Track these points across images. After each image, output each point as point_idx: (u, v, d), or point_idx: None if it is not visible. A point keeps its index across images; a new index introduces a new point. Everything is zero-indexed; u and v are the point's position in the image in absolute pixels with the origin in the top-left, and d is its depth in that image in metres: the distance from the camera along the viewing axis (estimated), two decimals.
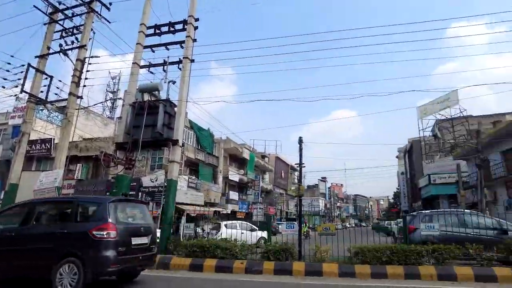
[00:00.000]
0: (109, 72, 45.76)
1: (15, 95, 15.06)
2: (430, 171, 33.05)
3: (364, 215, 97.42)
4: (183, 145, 15.37)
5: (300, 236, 9.57)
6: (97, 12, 15.00)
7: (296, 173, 56.86)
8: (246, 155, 38.24)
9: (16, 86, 14.65)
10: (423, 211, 11.66)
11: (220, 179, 32.20)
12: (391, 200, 72.80)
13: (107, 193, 22.60)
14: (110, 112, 42.18)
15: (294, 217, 47.51)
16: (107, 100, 38.98)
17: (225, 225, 15.79)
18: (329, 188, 75.46)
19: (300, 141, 10.49)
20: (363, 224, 73.99)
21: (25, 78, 14.39)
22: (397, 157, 58.41)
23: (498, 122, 28.79)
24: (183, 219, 11.62)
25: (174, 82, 13.30)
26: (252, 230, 13.47)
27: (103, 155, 10.99)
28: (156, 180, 22.90)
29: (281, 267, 8.69)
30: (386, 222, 38.99)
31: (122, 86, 47.43)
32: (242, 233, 12.63)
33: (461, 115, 35.45)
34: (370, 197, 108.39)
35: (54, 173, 11.58)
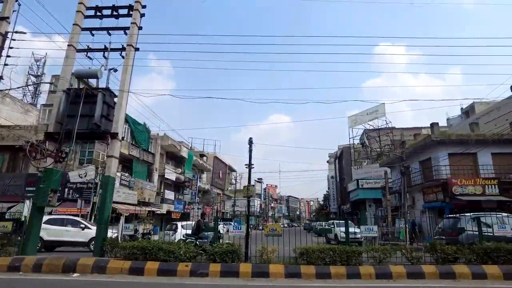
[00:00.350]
0: (33, 54, 41.01)
1: None
2: (358, 176, 35.59)
3: (296, 216, 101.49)
4: (123, 138, 14.29)
5: (247, 237, 9.45)
6: None
7: (234, 173, 57.04)
8: (184, 153, 37.13)
9: None
10: (466, 214, 12.25)
11: (155, 177, 30.75)
12: (321, 202, 76.91)
13: (27, 188, 20.14)
14: (33, 98, 37.79)
15: (230, 217, 47.48)
16: (30, 85, 34.75)
17: (182, 226, 15.35)
18: (264, 189, 77.08)
19: (250, 142, 10.40)
20: (295, 224, 76.96)
21: None
22: (328, 161, 61.94)
23: (418, 134, 32.23)
24: (122, 219, 10.70)
25: (115, 70, 12.29)
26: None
27: (29, 145, 9.62)
28: (85, 176, 21.04)
29: (228, 269, 8.49)
30: (315, 223, 40.89)
31: (48, 70, 42.87)
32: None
33: (387, 126, 38.89)
34: (302, 199, 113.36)
35: None
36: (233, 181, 56.42)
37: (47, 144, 10.61)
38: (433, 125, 26.26)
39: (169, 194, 32.32)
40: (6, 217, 18.59)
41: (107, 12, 13.45)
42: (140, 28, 13.17)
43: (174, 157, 36.79)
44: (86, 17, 13.43)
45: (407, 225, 18.56)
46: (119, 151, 11.00)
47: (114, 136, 10.69)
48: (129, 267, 8.51)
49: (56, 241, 14.28)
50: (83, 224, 14.86)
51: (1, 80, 12.43)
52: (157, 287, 7.43)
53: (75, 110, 10.62)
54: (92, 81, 13.65)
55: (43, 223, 14.23)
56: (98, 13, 13.50)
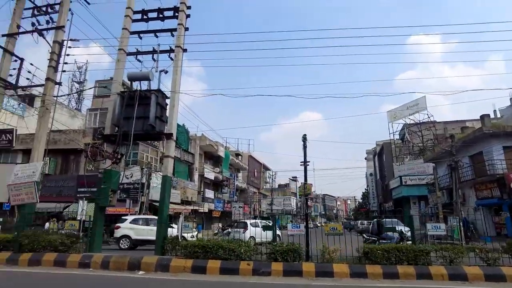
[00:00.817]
0: (75, 61, 43.19)
1: None
2: (401, 173, 34.24)
3: (333, 215, 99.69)
4: (177, 139, 14.56)
5: (307, 236, 9.25)
6: None
7: (268, 172, 56.94)
8: (221, 153, 37.57)
9: None
10: None
11: (196, 176, 31.29)
12: (360, 200, 75.04)
13: (79, 189, 21.12)
14: (77, 103, 39.75)
15: (267, 216, 47.43)
16: (81, 90, 36.66)
17: (251, 224, 15.80)
18: (299, 187, 76.14)
19: (304, 138, 10.17)
20: (332, 223, 75.39)
21: None
22: (366, 158, 60.24)
23: (465, 128, 30.44)
24: (181, 217, 10.87)
25: (166, 72, 12.50)
26: (267, 228, 13.26)
27: (90, 147, 9.99)
28: (131, 177, 21.70)
29: (290, 268, 8.34)
30: (357, 222, 39.82)
31: (89, 76, 44.95)
32: (263, 231, 12.26)
33: (429, 120, 37.15)
34: (338, 197, 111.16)
35: (31, 166, 10.37)
36: (268, 179, 56.34)
37: (104, 146, 10.97)
38: (484, 117, 24.64)
39: (209, 193, 32.79)
40: (63, 216, 19.60)
41: (152, 15, 13.71)
42: (186, 29, 13.30)
43: (211, 157, 37.32)
44: (134, 21, 13.78)
45: (461, 223, 17.55)
46: (174, 151, 11.16)
47: (169, 136, 10.86)
48: (191, 266, 8.58)
49: (141, 240, 14.99)
50: None
51: (60, 85, 13.08)
52: (225, 286, 7.39)
53: (130, 112, 10.86)
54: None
55: (129, 222, 15.02)
56: (145, 17, 13.80)
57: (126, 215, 19.52)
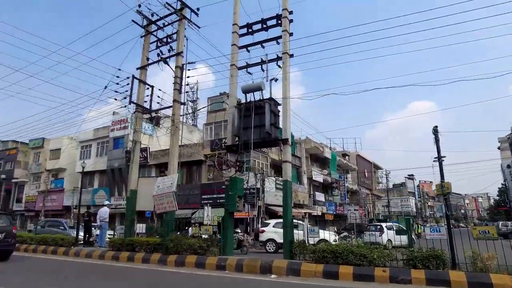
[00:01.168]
0: (187, 82, 48.21)
1: (124, 106, 15.99)
2: None
3: (461, 215, 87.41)
4: (292, 144, 14.84)
5: (451, 240, 8.20)
6: (188, 19, 15.34)
7: (379, 172, 53.43)
8: (327, 154, 36.87)
9: (125, 98, 15.63)
10: None
11: (304, 179, 31.35)
12: (496, 198, 64.19)
13: (202, 196, 23.30)
14: (192, 120, 44.20)
15: (383, 218, 44.40)
16: (198, 110, 41.17)
17: (386, 227, 15.54)
18: (417, 186, 69.37)
19: (435, 131, 9.09)
20: (462, 225, 66.46)
21: (131, 89, 15.19)
22: (499, 148, 51.12)
23: None
24: (306, 221, 10.99)
25: (276, 80, 12.83)
26: (401, 232, 12.55)
27: (217, 157, 10.90)
28: (246, 182, 22.90)
29: (435, 276, 7.45)
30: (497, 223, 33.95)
31: (200, 94, 49.52)
32: (397, 235, 11.74)
33: None
34: (466, 195, 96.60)
35: (169, 179, 11.83)
36: (380, 179, 52.81)
37: (228, 155, 11.81)
38: None
39: (320, 196, 32.45)
40: (191, 221, 21.90)
41: (257, 27, 14.18)
42: (291, 34, 13.37)
43: (317, 159, 36.94)
44: (240, 35, 14.54)
45: None
46: (290, 155, 11.33)
47: (285, 141, 11.09)
48: (322, 270, 8.44)
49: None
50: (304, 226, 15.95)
51: (184, 105, 14.70)
52: None
53: (248, 123, 11.46)
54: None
55: (272, 226, 16.09)
56: (249, 30, 14.40)
57: (246, 219, 20.71)
